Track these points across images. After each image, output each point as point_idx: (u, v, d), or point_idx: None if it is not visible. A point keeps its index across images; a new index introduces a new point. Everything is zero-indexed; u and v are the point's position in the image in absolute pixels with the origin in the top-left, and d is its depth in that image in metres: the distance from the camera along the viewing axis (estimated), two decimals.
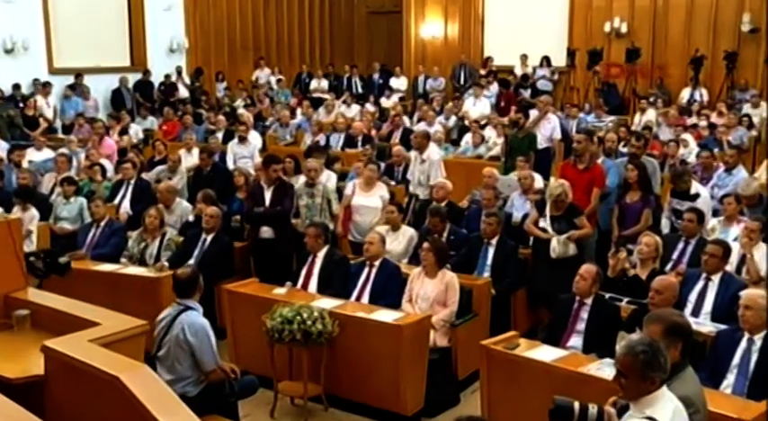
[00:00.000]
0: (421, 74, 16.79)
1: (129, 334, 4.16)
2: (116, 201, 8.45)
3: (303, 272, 6.18)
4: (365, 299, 5.88)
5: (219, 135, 11.63)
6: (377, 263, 6.00)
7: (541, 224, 6.49)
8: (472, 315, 5.81)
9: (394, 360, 5.17)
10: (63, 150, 9.92)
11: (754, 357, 4.37)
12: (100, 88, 14.69)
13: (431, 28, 17.74)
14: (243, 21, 17.43)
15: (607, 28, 15.48)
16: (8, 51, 13.58)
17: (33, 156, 10.36)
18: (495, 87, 14.85)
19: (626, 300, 5.32)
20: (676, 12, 14.92)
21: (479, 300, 5.89)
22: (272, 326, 5.19)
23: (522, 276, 6.54)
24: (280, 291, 5.87)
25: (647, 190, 6.97)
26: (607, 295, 5.28)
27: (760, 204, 6.97)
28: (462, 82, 16.18)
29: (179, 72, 15.93)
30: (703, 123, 11.95)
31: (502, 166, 8.84)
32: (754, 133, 11.62)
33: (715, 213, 7.10)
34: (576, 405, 2.93)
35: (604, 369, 4.22)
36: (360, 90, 16.87)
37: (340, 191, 7.84)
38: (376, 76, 17.27)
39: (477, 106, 13.53)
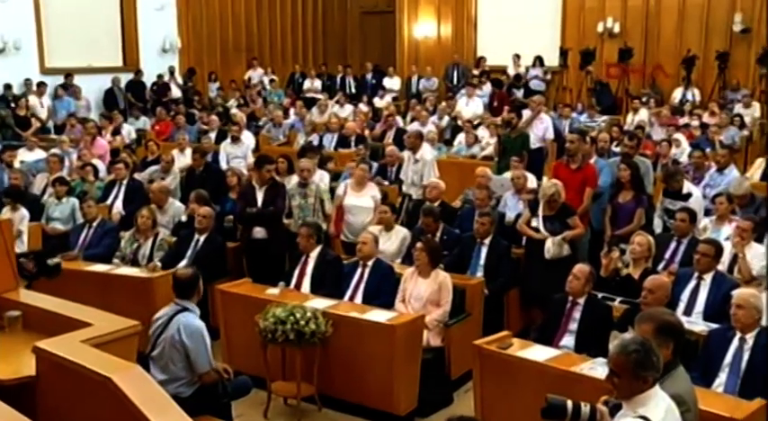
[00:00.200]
0: (414, 74, 16.79)
1: (122, 334, 4.14)
2: (108, 201, 8.44)
3: (296, 272, 6.17)
4: (358, 299, 5.88)
5: (212, 135, 11.61)
6: (370, 263, 6.00)
7: (534, 224, 6.50)
8: (465, 315, 5.81)
9: (387, 360, 5.17)
10: (55, 150, 9.90)
11: (746, 356, 4.39)
12: (92, 88, 14.64)
13: (424, 28, 17.75)
14: (236, 21, 17.39)
15: (600, 28, 15.52)
16: None
17: (25, 156, 10.33)
18: (487, 87, 14.85)
19: (618, 299, 5.33)
20: (669, 12, 14.96)
21: (472, 299, 5.89)
22: (265, 327, 5.18)
23: (514, 276, 6.55)
24: (273, 291, 5.86)
25: (640, 189, 6.98)
26: (600, 295, 5.29)
27: (752, 204, 7.00)
28: (455, 82, 16.19)
29: (171, 72, 15.89)
30: (695, 123, 12.00)
31: (495, 166, 8.85)
32: (745, 133, 11.67)
33: (707, 213, 7.12)
34: (569, 404, 2.93)
35: (597, 368, 4.23)
36: (353, 90, 16.87)
37: (333, 190, 7.84)
38: (369, 76, 17.26)
39: (470, 106, 13.55)
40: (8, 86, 13.31)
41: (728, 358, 4.43)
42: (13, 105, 12.90)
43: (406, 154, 8.74)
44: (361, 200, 7.43)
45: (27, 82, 13.60)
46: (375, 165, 9.28)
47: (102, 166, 9.84)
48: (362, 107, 15.08)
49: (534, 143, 9.25)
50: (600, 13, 15.56)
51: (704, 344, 4.63)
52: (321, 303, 5.51)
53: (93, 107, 14.59)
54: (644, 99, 13.48)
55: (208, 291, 6.17)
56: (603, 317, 5.02)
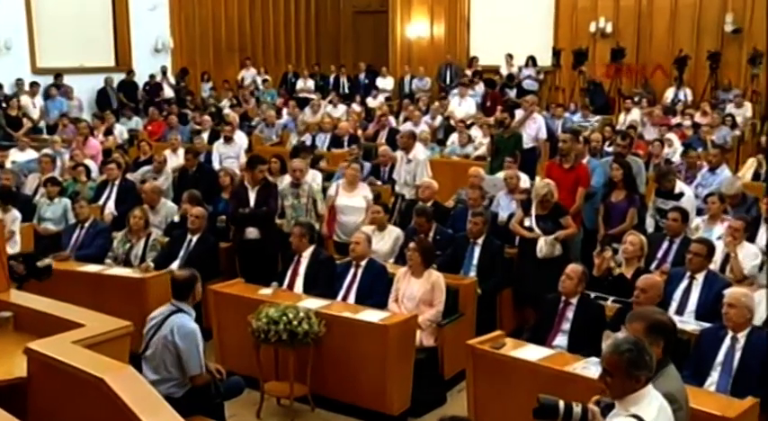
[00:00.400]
0: (407, 74, 16.80)
1: (114, 335, 4.13)
2: (101, 201, 8.41)
3: (289, 272, 6.16)
4: (351, 299, 5.87)
5: (205, 135, 11.58)
6: (363, 263, 5.99)
7: (527, 223, 6.51)
8: (458, 315, 5.81)
9: (380, 360, 5.17)
10: (47, 151, 9.86)
11: (738, 355, 4.41)
12: (84, 88, 14.58)
13: (417, 28, 17.76)
14: (228, 20, 17.37)
15: (592, 28, 15.55)
16: None
17: (16, 156, 10.29)
18: (480, 87, 14.87)
19: (611, 298, 5.35)
20: (661, 12, 15.01)
21: (465, 299, 5.89)
22: (257, 327, 5.17)
23: (507, 276, 6.56)
24: (265, 291, 5.85)
25: (633, 189, 6.99)
26: (592, 294, 5.31)
27: (743, 203, 7.03)
28: (448, 82, 16.20)
29: (164, 72, 15.85)
30: (687, 123, 12.04)
31: (488, 166, 8.86)
32: (737, 133, 11.71)
33: (699, 212, 7.15)
34: (561, 404, 2.93)
35: (590, 368, 4.24)
36: (346, 90, 16.86)
37: (326, 190, 7.83)
38: (362, 75, 17.26)
39: (463, 106, 13.55)
40: None
41: (720, 357, 4.45)
42: (4, 105, 12.85)
43: (398, 154, 8.75)
44: (353, 200, 7.43)
45: (19, 82, 13.54)
46: (368, 165, 9.28)
47: (94, 167, 9.81)
48: (355, 107, 15.09)
49: (527, 143, 9.26)
50: (592, 13, 15.60)
51: (696, 343, 4.64)
52: (314, 303, 5.50)
53: (86, 107, 14.54)
54: (636, 99, 13.52)
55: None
56: (596, 317, 5.03)
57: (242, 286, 6.04)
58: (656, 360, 3.07)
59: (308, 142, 11.19)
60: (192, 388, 4.56)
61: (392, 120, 12.74)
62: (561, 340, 5.08)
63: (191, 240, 6.76)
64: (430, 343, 5.61)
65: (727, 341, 4.47)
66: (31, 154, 10.30)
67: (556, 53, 15.72)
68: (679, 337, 4.02)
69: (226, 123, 11.25)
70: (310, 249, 6.17)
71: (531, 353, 4.65)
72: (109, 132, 12.47)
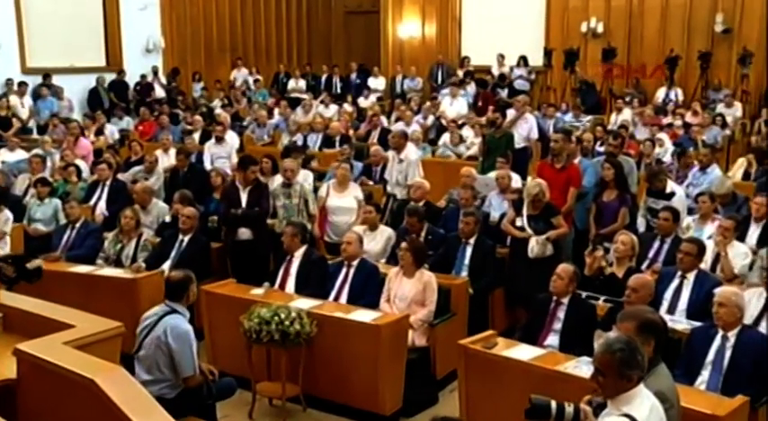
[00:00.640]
0: (398, 74, 16.79)
1: (105, 336, 4.10)
2: (92, 202, 8.38)
3: (280, 272, 6.15)
4: (343, 299, 5.87)
5: (196, 135, 11.55)
6: (355, 263, 5.99)
7: (518, 223, 6.52)
8: (450, 314, 5.81)
9: (372, 360, 5.17)
10: (37, 151, 9.81)
11: (728, 354, 4.42)
12: (75, 88, 14.53)
13: (408, 28, 17.75)
14: (220, 20, 17.33)
15: (583, 28, 15.58)
16: None
17: (6, 156, 10.24)
18: (472, 87, 14.88)
19: (602, 298, 5.36)
20: (651, 12, 15.06)
21: (457, 299, 5.90)
22: (249, 327, 5.16)
23: (499, 276, 6.56)
24: (257, 291, 5.84)
25: (624, 189, 7.01)
26: (584, 294, 5.32)
27: (734, 203, 7.07)
28: (440, 82, 16.20)
29: (155, 72, 15.81)
30: (678, 123, 12.09)
31: (480, 166, 8.87)
32: (727, 132, 11.77)
33: (690, 212, 7.17)
34: (553, 404, 2.93)
35: (581, 367, 4.25)
36: (338, 90, 16.85)
37: (317, 190, 7.82)
38: (354, 75, 17.25)
39: (454, 106, 13.56)
40: None
41: (711, 356, 4.46)
42: None
43: (390, 154, 8.74)
44: (344, 200, 7.42)
45: (8, 82, 13.47)
46: (359, 165, 9.28)
47: (85, 167, 9.77)
48: (347, 107, 15.08)
49: (519, 143, 9.27)
50: (583, 13, 15.63)
51: (687, 342, 4.65)
52: (306, 303, 5.49)
53: (77, 107, 14.48)
54: (627, 99, 13.57)
55: None
56: (587, 317, 5.04)
57: (233, 286, 6.02)
58: (648, 359, 3.08)
59: (300, 142, 11.17)
60: (183, 389, 4.54)
61: (384, 120, 12.73)
62: (553, 340, 5.09)
63: (182, 240, 6.75)
64: (422, 343, 5.61)
65: (718, 340, 4.48)
66: (20, 154, 10.25)
67: (547, 53, 15.75)
68: (670, 336, 4.04)
69: (217, 123, 11.22)
70: (302, 249, 6.16)
71: (523, 352, 4.65)
72: (100, 132, 12.43)
